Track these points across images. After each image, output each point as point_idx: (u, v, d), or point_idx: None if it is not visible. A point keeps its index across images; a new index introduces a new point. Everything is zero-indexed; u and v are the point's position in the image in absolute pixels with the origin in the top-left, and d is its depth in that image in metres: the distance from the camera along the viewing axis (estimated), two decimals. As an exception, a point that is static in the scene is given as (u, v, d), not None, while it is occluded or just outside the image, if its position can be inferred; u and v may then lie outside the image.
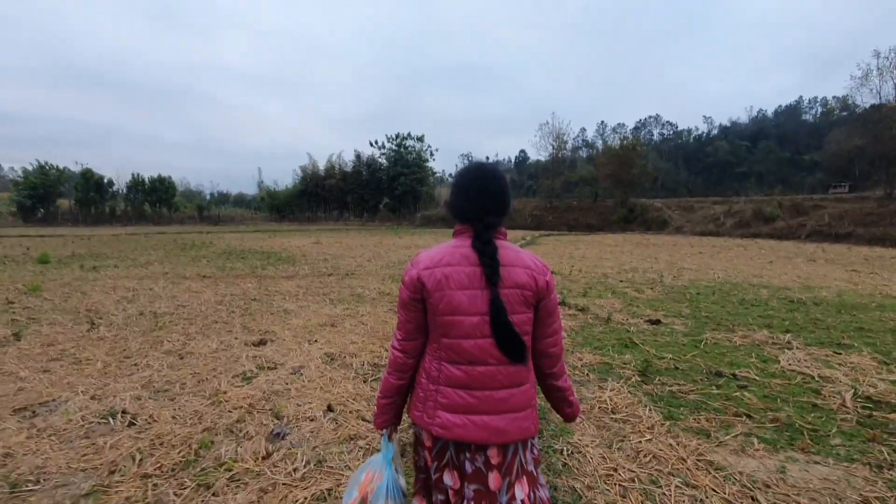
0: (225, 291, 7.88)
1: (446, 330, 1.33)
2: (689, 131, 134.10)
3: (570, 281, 9.00)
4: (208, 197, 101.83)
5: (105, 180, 48.73)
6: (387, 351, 4.44)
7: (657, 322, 5.51)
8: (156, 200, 49.20)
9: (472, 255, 1.32)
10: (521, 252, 1.39)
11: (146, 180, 49.00)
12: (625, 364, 4.09)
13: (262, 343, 4.81)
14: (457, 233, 1.43)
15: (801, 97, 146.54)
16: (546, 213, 40.98)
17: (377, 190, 56.72)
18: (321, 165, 58.32)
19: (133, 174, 49.96)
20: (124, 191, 49.68)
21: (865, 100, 26.48)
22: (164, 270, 10.80)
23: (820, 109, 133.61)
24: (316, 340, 4.92)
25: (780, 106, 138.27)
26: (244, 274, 10.22)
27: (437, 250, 1.38)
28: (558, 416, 1.61)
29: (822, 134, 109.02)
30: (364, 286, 8.56)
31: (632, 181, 37.41)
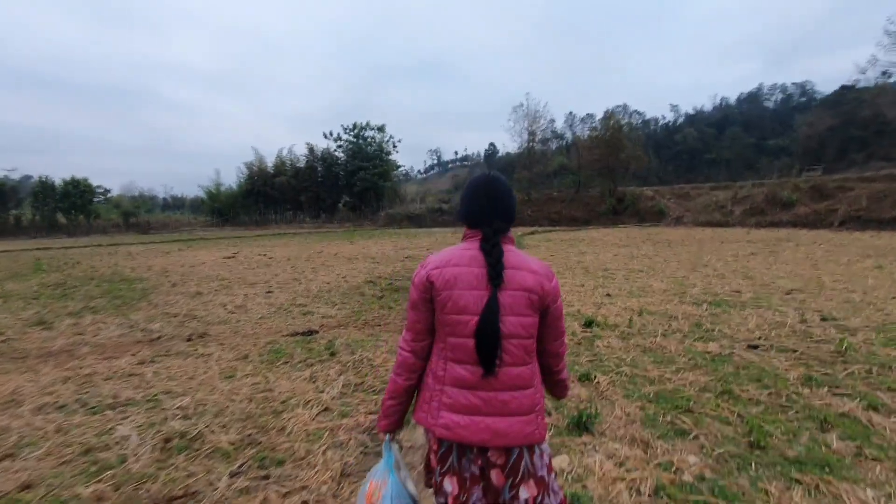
0: None
1: (453, 329, 1.34)
2: (657, 120, 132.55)
3: (655, 357, 4.11)
4: (161, 202, 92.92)
5: (8, 186, 40.98)
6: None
7: None
8: (69, 207, 41.63)
9: (479, 257, 1.35)
10: (527, 256, 1.41)
11: (56, 185, 41.48)
12: None
13: None
14: (466, 237, 1.45)
15: (761, 84, 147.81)
16: (524, 206, 36.06)
17: (334, 187, 50.60)
18: (269, 162, 51.80)
19: (41, 177, 42.22)
20: (31, 198, 41.93)
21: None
22: None
23: (780, 95, 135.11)
24: None
25: (741, 93, 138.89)
26: (-40, 352, 4.95)
27: (447, 252, 1.41)
28: None
29: (783, 119, 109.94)
30: (177, 392, 3.49)
31: (621, 167, 33.07)
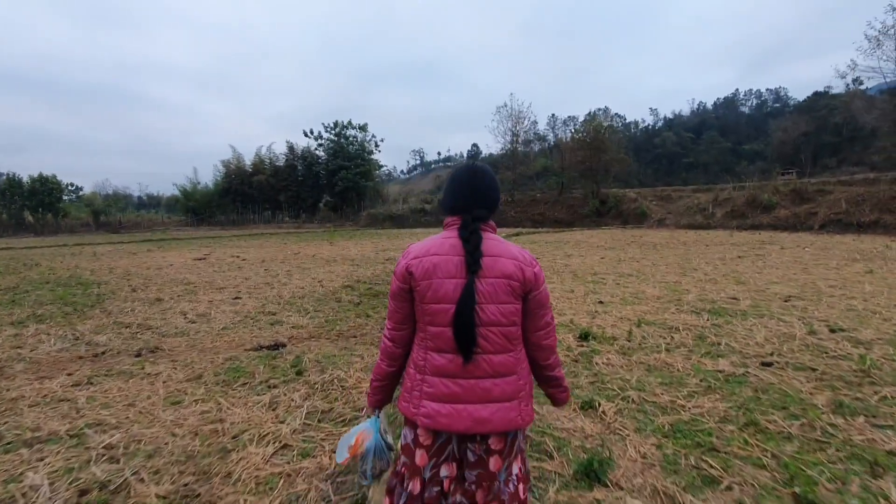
0: None
1: (433, 318, 1.32)
2: (637, 123, 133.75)
3: (662, 377, 3.70)
4: (136, 201, 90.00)
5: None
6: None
7: None
8: (37, 205, 39.74)
9: (459, 245, 1.32)
10: (509, 244, 1.37)
11: (23, 182, 39.48)
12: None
13: None
14: (447, 225, 1.42)
15: (737, 90, 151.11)
16: (508, 207, 35.82)
17: (315, 186, 49.55)
18: (248, 160, 50.47)
19: (8, 174, 40.33)
20: (-2, 196, 39.88)
21: (883, 64, 22.90)
22: None
23: (755, 101, 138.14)
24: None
25: (718, 98, 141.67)
26: None
27: (427, 241, 1.38)
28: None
29: (757, 125, 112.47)
30: (109, 424, 2.91)
31: (604, 169, 33.01)
